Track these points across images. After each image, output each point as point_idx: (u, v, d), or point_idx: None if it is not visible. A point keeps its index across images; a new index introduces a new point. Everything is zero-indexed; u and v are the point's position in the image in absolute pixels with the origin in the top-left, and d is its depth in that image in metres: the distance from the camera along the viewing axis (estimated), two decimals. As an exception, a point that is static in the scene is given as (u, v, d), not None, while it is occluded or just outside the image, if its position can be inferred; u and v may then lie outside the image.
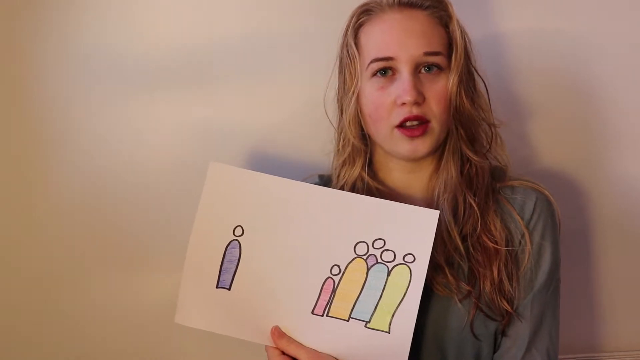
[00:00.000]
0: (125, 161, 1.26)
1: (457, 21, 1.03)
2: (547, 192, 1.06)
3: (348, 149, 1.08)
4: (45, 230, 1.27)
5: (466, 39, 1.05)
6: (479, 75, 1.08)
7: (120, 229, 1.27)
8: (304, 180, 1.15)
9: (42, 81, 1.24)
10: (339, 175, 1.09)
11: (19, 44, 1.23)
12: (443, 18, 1.03)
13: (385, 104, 1.00)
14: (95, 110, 1.25)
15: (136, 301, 1.29)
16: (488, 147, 1.08)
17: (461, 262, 1.02)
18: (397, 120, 0.99)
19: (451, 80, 1.00)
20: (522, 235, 1.03)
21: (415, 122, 0.99)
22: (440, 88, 1.00)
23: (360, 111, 1.05)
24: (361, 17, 1.05)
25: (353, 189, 1.07)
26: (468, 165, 1.05)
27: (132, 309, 1.29)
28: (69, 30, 1.24)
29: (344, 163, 1.09)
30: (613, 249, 1.33)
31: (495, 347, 1.03)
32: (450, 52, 1.02)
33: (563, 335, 1.07)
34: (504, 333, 1.02)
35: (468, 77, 1.04)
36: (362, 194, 1.06)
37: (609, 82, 1.29)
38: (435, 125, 1.01)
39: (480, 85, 1.08)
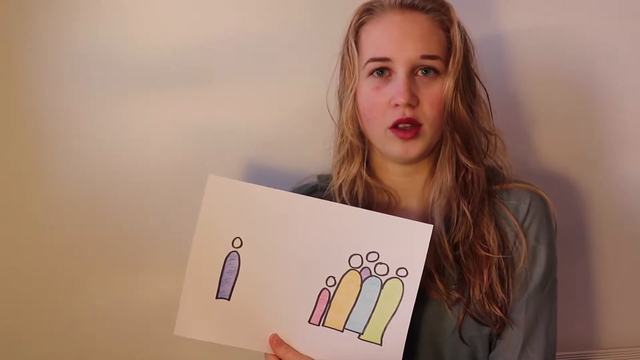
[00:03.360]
0: (123, 162, 1.26)
1: (459, 26, 1.02)
2: (542, 194, 1.06)
3: (346, 146, 1.08)
4: (44, 232, 1.27)
5: (468, 44, 1.04)
6: (480, 82, 1.07)
7: (118, 230, 1.27)
8: (303, 180, 1.17)
9: (39, 83, 1.23)
10: (338, 172, 1.10)
11: (15, 44, 1.22)
12: (444, 22, 1.02)
13: (380, 104, 1.01)
14: (94, 112, 1.24)
15: (135, 302, 1.29)
16: (484, 154, 1.07)
17: (451, 270, 1.02)
18: (390, 121, 1.00)
19: (447, 85, 1.00)
20: (517, 237, 1.03)
21: (407, 125, 0.99)
22: (435, 92, 1.00)
23: (357, 109, 1.05)
24: (363, 16, 1.05)
25: (352, 185, 1.08)
26: (464, 171, 1.04)
27: (131, 310, 1.29)
28: (66, 31, 1.23)
29: (342, 160, 1.09)
30: (611, 246, 1.34)
31: (491, 349, 1.04)
32: (449, 57, 1.01)
33: (560, 332, 1.08)
34: (498, 336, 1.03)
35: (466, 83, 1.03)
36: (361, 190, 1.07)
37: (609, 82, 1.28)
38: (427, 128, 1.01)
39: (481, 92, 1.07)
